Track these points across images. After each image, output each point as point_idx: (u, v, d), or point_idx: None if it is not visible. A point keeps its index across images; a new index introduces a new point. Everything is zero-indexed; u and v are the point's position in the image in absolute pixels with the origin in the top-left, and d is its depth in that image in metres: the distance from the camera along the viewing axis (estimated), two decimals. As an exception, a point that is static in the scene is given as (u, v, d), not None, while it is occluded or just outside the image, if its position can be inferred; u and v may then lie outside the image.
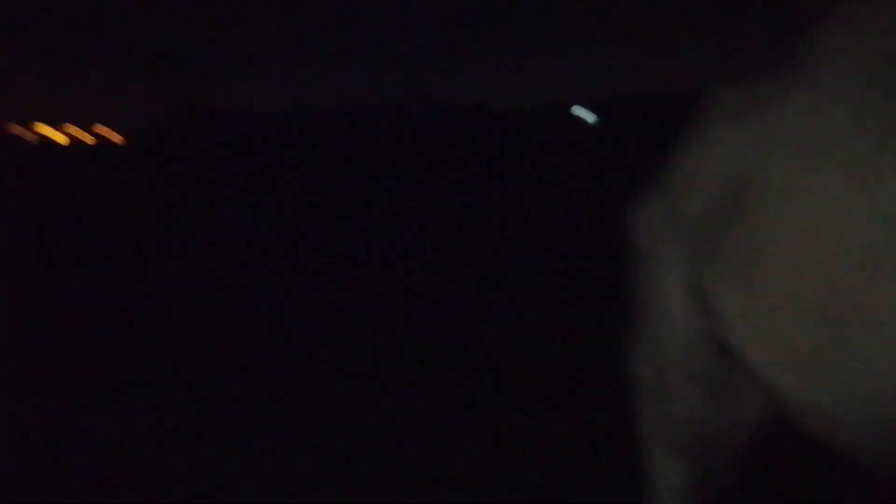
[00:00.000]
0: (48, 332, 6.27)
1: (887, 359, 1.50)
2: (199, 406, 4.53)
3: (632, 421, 2.23)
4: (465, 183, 15.01)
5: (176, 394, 4.79)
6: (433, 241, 9.94)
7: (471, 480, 3.59)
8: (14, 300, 7.51)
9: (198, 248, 10.34)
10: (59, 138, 24.08)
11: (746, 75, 2.01)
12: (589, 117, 21.96)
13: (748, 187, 1.72)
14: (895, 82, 1.63)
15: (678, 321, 1.95)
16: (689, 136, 2.00)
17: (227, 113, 20.93)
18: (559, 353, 5.02)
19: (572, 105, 22.18)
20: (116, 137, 23.50)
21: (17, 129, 22.69)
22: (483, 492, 3.50)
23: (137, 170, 19.37)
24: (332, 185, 16.05)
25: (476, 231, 10.53)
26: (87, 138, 24.20)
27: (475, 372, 4.94)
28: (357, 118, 21.23)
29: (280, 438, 4.11)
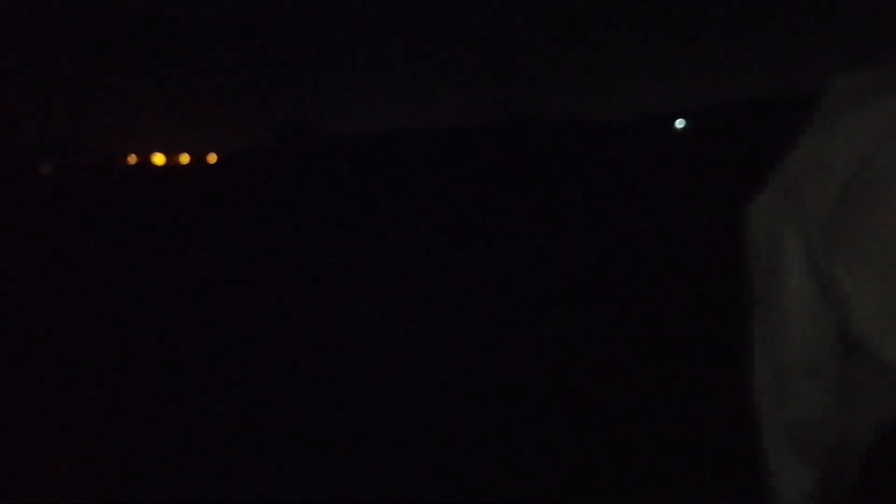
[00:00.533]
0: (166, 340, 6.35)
1: None
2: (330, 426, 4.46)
3: (752, 423, 2.17)
4: (567, 194, 14.80)
5: (295, 405, 4.75)
6: (543, 252, 9.71)
7: (602, 478, 3.49)
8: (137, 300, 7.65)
9: (294, 262, 10.38)
10: (157, 160, 24.81)
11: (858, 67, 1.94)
12: (683, 125, 21.52)
13: (878, 174, 1.66)
14: None
15: (803, 317, 1.89)
16: (807, 128, 1.94)
17: (330, 135, 21.24)
18: (676, 356, 5.06)
19: (672, 116, 21.74)
20: (212, 158, 24.13)
21: (132, 158, 23.70)
22: (610, 492, 3.39)
23: (238, 189, 19.87)
24: (434, 203, 16.04)
25: (582, 239, 10.28)
26: (183, 159, 24.92)
27: (600, 373, 4.94)
28: (456, 136, 21.28)
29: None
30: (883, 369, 1.75)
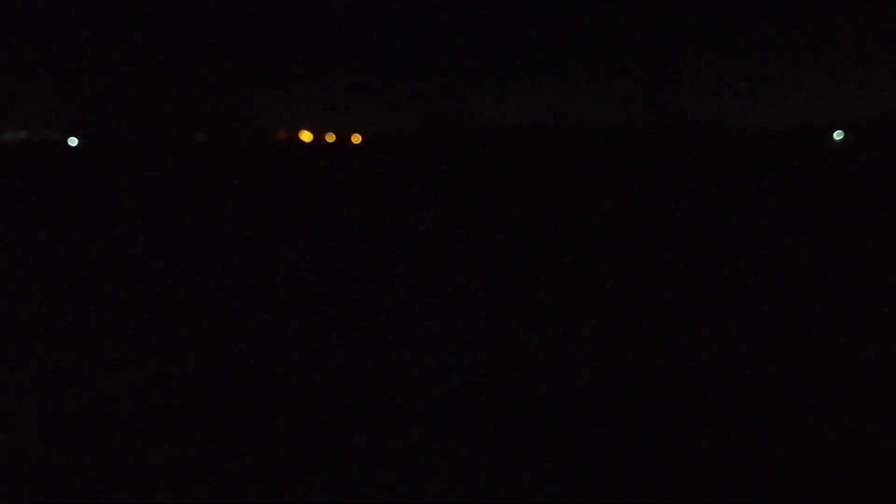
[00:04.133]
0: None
1: None
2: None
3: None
4: (713, 201, 14.37)
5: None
6: (685, 257, 9.47)
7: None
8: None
9: (429, 246, 10.45)
10: (305, 137, 25.65)
11: None
12: (842, 136, 20.37)
13: None
14: None
15: None
16: None
17: (471, 125, 21.28)
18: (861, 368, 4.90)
19: (830, 127, 20.63)
20: (356, 138, 24.78)
21: (281, 134, 24.52)
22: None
23: (373, 169, 20.25)
24: (563, 200, 15.85)
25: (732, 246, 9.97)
26: (329, 137, 25.70)
27: (788, 379, 4.85)
28: (591, 134, 20.95)
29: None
30: None
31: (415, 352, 5.63)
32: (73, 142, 22.46)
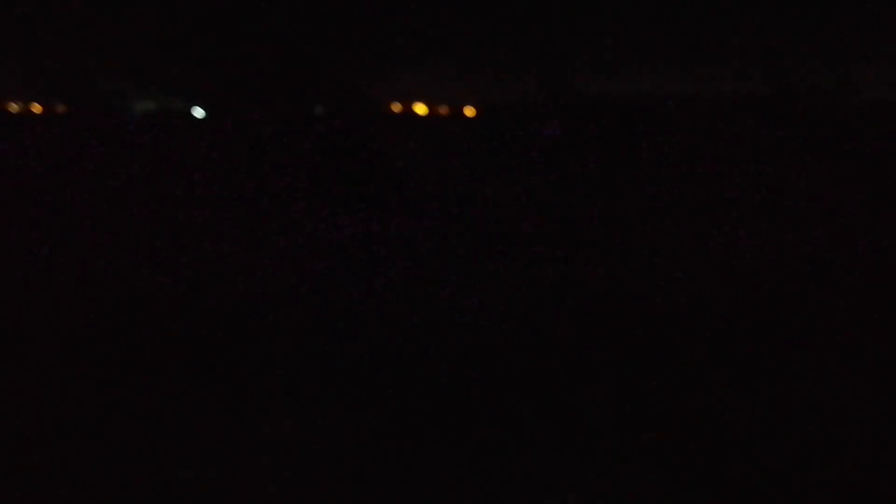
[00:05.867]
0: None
1: None
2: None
3: None
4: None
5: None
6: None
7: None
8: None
9: (544, 219, 10.42)
10: (419, 110, 25.87)
11: None
12: None
13: None
14: None
15: None
16: None
17: (582, 98, 21.05)
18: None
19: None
20: (470, 111, 24.82)
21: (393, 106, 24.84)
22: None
23: (485, 141, 20.27)
24: (687, 170, 15.50)
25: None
26: (441, 110, 25.81)
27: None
28: (720, 105, 20.39)
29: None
30: None
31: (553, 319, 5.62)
32: (198, 113, 23.37)
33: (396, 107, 25.36)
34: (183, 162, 17.19)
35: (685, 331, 5.42)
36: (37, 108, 23.38)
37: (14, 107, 23.14)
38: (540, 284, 6.83)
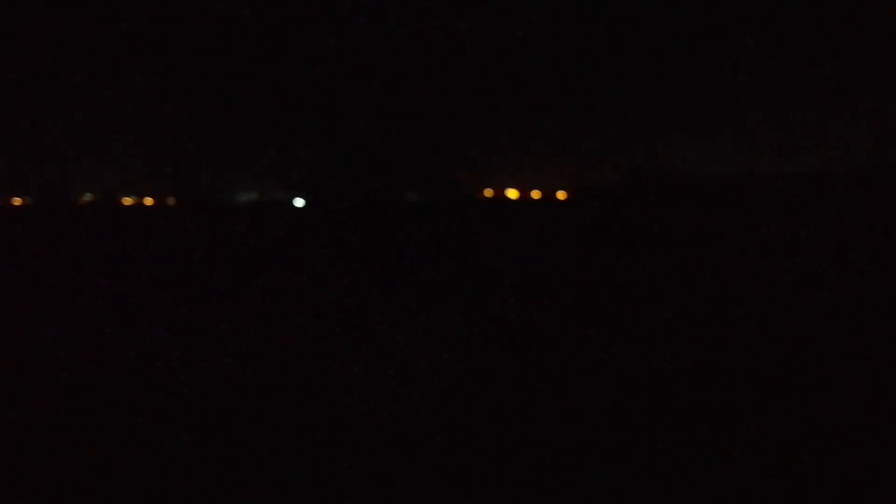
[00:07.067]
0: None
1: None
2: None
3: None
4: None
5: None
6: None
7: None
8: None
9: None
10: (512, 194, 26.25)
11: None
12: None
13: None
14: None
15: None
16: None
17: (676, 176, 20.99)
18: None
19: None
20: (561, 194, 25.07)
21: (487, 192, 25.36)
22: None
23: (577, 225, 20.35)
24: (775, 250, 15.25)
25: None
26: (535, 194, 26.15)
27: None
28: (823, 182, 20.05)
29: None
30: None
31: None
32: (299, 202, 24.29)
33: (489, 192, 25.84)
34: (285, 250, 17.82)
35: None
36: (149, 200, 24.71)
37: (128, 200, 24.53)
38: (636, 370, 6.85)
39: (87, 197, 23.86)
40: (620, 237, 17.82)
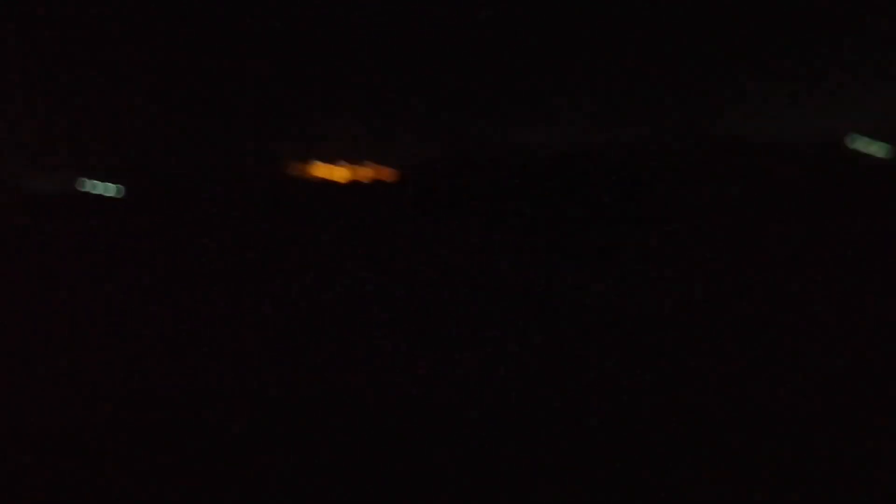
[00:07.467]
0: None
1: None
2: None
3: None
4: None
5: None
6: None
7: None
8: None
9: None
10: (338, 175, 26.10)
11: None
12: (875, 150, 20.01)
13: None
14: None
15: None
16: None
17: (500, 154, 21.39)
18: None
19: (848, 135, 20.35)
20: (386, 174, 25.12)
21: (303, 169, 24.83)
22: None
23: (406, 204, 20.44)
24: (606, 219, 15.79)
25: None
26: (361, 175, 26.04)
27: None
28: (606, 156, 20.73)
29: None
30: None
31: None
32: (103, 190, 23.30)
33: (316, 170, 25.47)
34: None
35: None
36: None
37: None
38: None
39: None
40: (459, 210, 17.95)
